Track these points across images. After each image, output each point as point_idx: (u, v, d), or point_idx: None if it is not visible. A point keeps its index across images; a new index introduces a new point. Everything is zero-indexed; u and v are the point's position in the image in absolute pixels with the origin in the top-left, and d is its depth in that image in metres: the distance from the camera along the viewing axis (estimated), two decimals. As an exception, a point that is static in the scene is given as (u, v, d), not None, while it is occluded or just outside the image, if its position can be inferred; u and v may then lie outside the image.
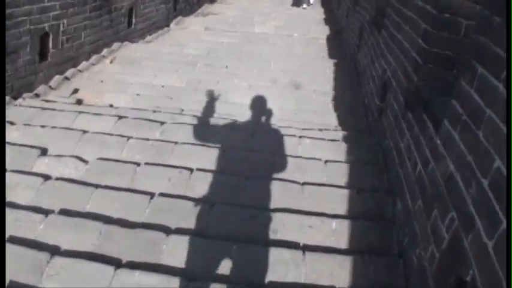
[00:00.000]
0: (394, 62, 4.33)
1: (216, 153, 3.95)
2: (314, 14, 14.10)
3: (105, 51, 7.70)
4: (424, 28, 3.45)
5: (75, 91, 6.16)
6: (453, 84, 3.10)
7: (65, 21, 6.41)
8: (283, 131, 4.54)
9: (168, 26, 10.77)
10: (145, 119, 4.63)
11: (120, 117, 4.68)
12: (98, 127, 4.49)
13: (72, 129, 4.41)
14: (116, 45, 8.11)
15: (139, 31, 9.29)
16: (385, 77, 4.65)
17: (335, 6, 13.73)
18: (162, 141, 4.18)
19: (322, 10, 15.11)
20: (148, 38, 9.49)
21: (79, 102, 5.68)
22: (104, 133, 4.33)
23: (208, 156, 3.92)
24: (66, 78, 6.53)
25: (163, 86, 6.18)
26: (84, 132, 4.30)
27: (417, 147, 3.06)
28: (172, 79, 6.51)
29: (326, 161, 3.93)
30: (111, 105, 5.51)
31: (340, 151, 4.19)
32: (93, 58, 7.34)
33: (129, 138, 4.20)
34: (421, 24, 3.53)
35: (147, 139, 4.20)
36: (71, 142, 4.15)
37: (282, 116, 5.27)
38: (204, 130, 4.39)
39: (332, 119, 5.43)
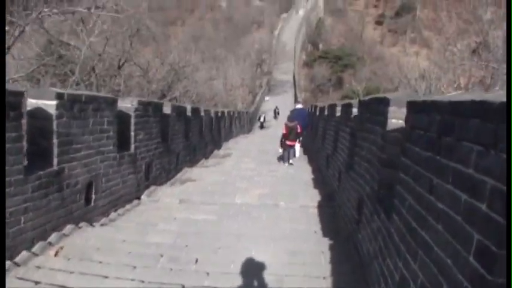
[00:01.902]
0: (422, 273, 2.98)
1: None
2: (301, 174, 13.08)
3: (53, 236, 6.37)
4: (485, 247, 2.15)
5: (3, 301, 4.69)
6: None
7: (-3, 205, 5.15)
8: None
9: (138, 198, 9.54)
10: None
11: None
12: None
13: None
14: (68, 228, 6.77)
15: (102, 208, 8.01)
16: (408, 290, 3.27)
17: (323, 164, 12.73)
18: None
19: (310, 169, 14.13)
20: (112, 215, 8.19)
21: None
22: None
23: None
24: (-2, 277, 5.10)
25: (111, 298, 4.71)
26: None
27: None
28: (124, 284, 5.05)
29: None
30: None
31: None
32: (37, 246, 5.99)
33: None
34: (473, 235, 2.24)
35: None
36: None
37: None
38: None
39: None
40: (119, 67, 17.20)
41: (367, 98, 6.64)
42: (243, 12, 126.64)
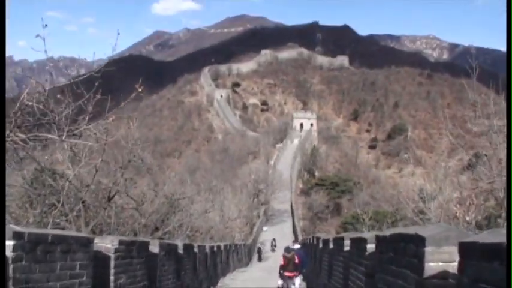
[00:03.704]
0: None
1: None
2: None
3: None
4: None
5: None
6: None
7: None
8: None
9: None
10: None
11: None
12: None
13: None
14: None
15: None
16: None
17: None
18: None
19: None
20: None
21: None
22: None
23: None
24: None
25: None
26: None
27: None
28: None
29: None
30: None
31: None
32: None
33: None
34: None
35: None
36: None
37: None
38: None
39: None
40: (109, 199, 16.16)
41: (387, 233, 5.50)
42: (239, 143, 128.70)
